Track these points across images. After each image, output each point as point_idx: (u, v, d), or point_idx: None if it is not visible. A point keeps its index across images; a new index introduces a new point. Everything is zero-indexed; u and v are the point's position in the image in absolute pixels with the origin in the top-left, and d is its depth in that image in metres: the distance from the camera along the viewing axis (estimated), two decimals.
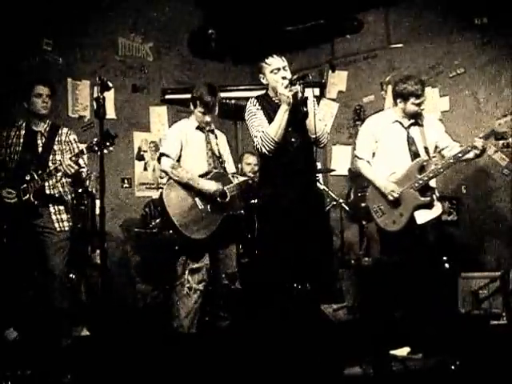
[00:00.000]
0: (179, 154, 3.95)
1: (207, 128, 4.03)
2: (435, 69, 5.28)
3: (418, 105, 3.88)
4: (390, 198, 3.88)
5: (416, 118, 3.96)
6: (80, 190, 4.55)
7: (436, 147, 4.02)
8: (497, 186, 4.94)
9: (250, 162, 5.28)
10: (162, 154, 3.94)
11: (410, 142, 3.94)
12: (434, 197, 3.94)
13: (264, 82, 3.68)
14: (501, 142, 4.86)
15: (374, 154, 4.05)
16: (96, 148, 3.46)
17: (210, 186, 3.87)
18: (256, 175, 3.96)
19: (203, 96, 3.88)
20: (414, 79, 3.89)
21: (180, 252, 3.97)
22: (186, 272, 3.87)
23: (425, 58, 5.35)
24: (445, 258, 4.53)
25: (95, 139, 3.47)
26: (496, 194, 4.95)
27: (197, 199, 3.87)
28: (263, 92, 3.77)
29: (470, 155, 3.80)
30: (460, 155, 3.80)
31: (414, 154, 3.92)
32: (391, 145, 3.97)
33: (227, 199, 3.89)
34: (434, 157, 4.04)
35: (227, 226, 3.92)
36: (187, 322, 3.86)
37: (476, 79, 5.08)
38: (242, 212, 4.05)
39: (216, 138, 4.09)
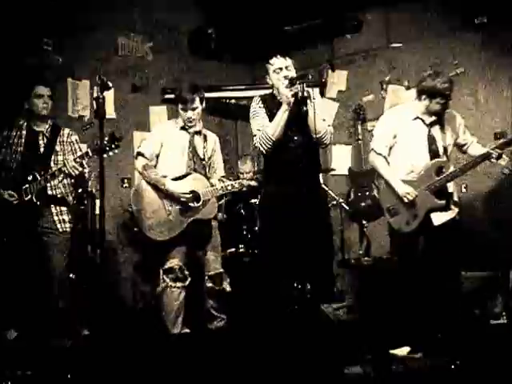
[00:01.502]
0: (157, 153, 3.99)
1: (192, 129, 4.02)
2: (435, 68, 5.24)
3: (443, 105, 3.73)
4: (405, 200, 3.76)
5: (439, 116, 3.80)
6: (80, 190, 4.55)
7: (455, 143, 3.93)
8: (497, 185, 4.94)
9: (242, 171, 5.28)
10: (138, 154, 4.02)
11: (431, 140, 3.80)
12: (451, 201, 3.82)
13: (269, 82, 3.70)
14: (500, 141, 4.85)
15: (390, 148, 3.90)
16: (101, 150, 3.48)
17: (176, 188, 3.86)
18: (245, 182, 3.96)
19: (181, 93, 3.94)
20: (444, 77, 3.74)
21: (151, 251, 4.05)
22: (161, 272, 3.92)
23: (424, 58, 5.34)
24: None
25: (102, 140, 3.48)
26: (496, 194, 4.95)
27: (165, 201, 3.91)
28: (269, 91, 3.78)
29: (492, 160, 3.75)
30: (479, 160, 3.75)
31: (434, 154, 3.79)
32: (411, 142, 3.81)
33: (200, 203, 3.88)
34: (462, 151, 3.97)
35: (198, 229, 3.92)
36: (170, 321, 3.88)
37: (476, 79, 5.08)
38: (213, 217, 4.03)
39: (205, 140, 4.07)
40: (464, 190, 5.10)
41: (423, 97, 3.75)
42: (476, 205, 5.04)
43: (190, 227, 3.89)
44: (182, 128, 4.02)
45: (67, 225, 3.91)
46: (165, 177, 3.92)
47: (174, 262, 3.89)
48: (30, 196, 3.71)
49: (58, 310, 3.81)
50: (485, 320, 4.17)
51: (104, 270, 3.59)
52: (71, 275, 4.24)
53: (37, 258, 3.85)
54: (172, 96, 5.71)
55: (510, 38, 4.83)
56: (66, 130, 4.03)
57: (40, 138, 3.92)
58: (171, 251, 3.91)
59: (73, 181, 3.96)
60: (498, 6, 4.82)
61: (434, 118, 3.80)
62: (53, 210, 3.87)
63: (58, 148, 3.93)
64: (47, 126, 3.95)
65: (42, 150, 3.90)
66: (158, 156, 4.00)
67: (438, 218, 3.77)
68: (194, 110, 3.93)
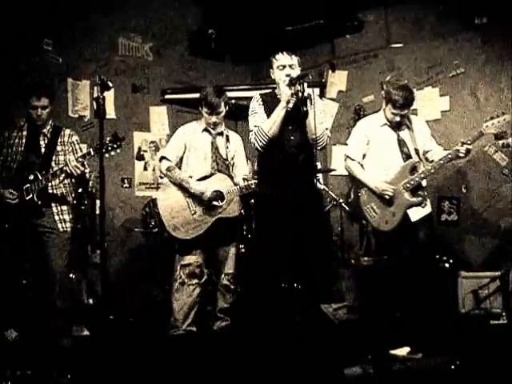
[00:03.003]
0: (181, 156, 4.05)
1: (215, 130, 4.07)
2: (435, 68, 5.28)
3: (399, 115, 3.93)
4: (386, 197, 3.96)
5: (405, 121, 4.03)
6: (80, 190, 4.56)
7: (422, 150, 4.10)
8: (497, 185, 4.94)
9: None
10: (161, 158, 4.09)
11: (401, 143, 4.03)
12: (425, 194, 4.02)
13: (272, 76, 3.71)
14: (501, 141, 4.86)
15: (364, 155, 4.14)
16: (104, 150, 3.49)
17: (202, 188, 3.92)
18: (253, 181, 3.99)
19: (208, 96, 3.94)
20: (401, 91, 3.91)
21: (171, 247, 4.07)
22: (178, 267, 3.96)
23: (425, 58, 5.34)
24: (445, 258, 4.55)
25: (105, 140, 3.48)
26: (496, 194, 4.95)
27: (189, 201, 3.96)
28: (270, 90, 3.78)
29: (460, 155, 3.87)
30: (450, 157, 3.89)
31: (406, 156, 4.01)
32: (382, 147, 4.05)
33: (224, 202, 3.93)
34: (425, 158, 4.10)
35: (221, 227, 3.96)
36: (181, 317, 3.91)
37: (476, 79, 5.08)
38: (237, 215, 4.06)
39: (228, 140, 4.11)
40: (464, 190, 5.11)
41: (387, 103, 3.99)
42: (476, 205, 5.04)
43: (215, 226, 3.93)
44: (205, 130, 4.07)
45: (68, 224, 3.92)
46: (190, 177, 3.98)
47: (192, 259, 3.94)
48: (31, 195, 3.73)
49: (57, 310, 3.81)
50: (485, 320, 4.17)
51: (104, 270, 3.59)
52: (71, 275, 4.25)
53: (37, 258, 3.86)
54: (174, 96, 5.75)
55: (510, 38, 4.83)
56: (67, 131, 4.04)
57: (41, 138, 3.93)
58: (192, 248, 3.95)
59: (73, 181, 3.97)
60: (498, 5, 4.81)
61: (399, 122, 4.00)
62: (54, 209, 3.88)
63: (59, 148, 3.94)
64: (48, 127, 3.96)
65: (43, 150, 3.91)
66: (181, 158, 4.05)
67: (415, 215, 3.96)
68: (219, 114, 3.99)
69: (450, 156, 3.90)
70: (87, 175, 4.02)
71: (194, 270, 3.93)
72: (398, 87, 3.97)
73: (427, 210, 4.03)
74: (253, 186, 3.97)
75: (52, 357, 3.46)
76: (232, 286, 4.06)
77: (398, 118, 3.96)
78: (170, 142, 4.18)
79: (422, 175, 3.95)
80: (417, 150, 4.03)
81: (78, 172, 3.73)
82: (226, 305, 4.07)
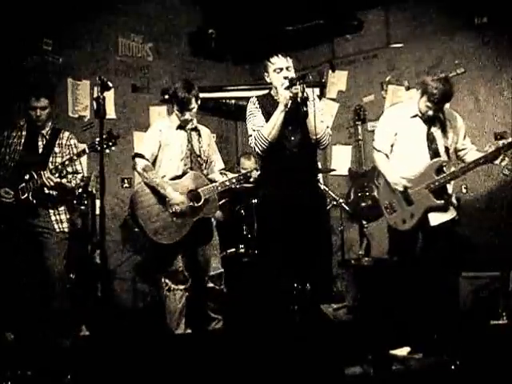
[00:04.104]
0: (156, 154, 3.91)
1: (188, 126, 3.96)
2: (435, 68, 5.27)
3: (433, 109, 3.67)
4: (399, 188, 3.73)
5: (439, 115, 3.75)
6: (80, 190, 4.54)
7: (455, 148, 3.87)
8: (497, 186, 4.94)
9: (247, 167, 5.25)
10: (136, 155, 3.91)
11: (431, 139, 3.75)
12: (451, 200, 3.80)
13: (268, 80, 3.68)
14: (501, 142, 4.84)
15: (392, 146, 3.87)
16: (98, 147, 3.46)
17: (176, 196, 3.79)
18: (243, 173, 3.96)
19: (177, 92, 3.83)
20: (440, 84, 3.61)
21: (152, 256, 3.98)
22: (162, 275, 3.89)
23: (425, 58, 5.34)
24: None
25: (97, 139, 3.46)
26: (496, 194, 4.95)
27: (167, 203, 3.83)
28: (267, 91, 3.77)
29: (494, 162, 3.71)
30: (481, 161, 3.69)
31: (434, 153, 3.74)
32: (410, 140, 3.77)
33: (201, 202, 3.84)
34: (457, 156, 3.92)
35: (201, 229, 3.88)
36: (173, 324, 3.88)
37: (476, 79, 5.08)
38: (215, 213, 4.01)
39: (199, 135, 4.01)
40: (464, 190, 5.10)
41: (423, 96, 3.68)
42: (476, 205, 5.04)
43: (194, 227, 3.84)
44: (179, 127, 3.95)
45: (65, 225, 3.90)
46: (163, 177, 3.87)
47: (176, 265, 3.86)
48: (26, 195, 3.71)
49: (57, 310, 3.81)
50: (485, 320, 4.17)
51: (104, 270, 3.58)
52: (71, 275, 4.25)
53: (34, 258, 3.84)
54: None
55: (510, 37, 4.83)
56: (66, 133, 4.03)
57: (39, 139, 3.92)
58: (174, 254, 3.86)
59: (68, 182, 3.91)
60: (498, 5, 4.82)
61: (432, 116, 3.72)
62: (50, 209, 3.87)
63: (56, 150, 3.93)
64: (47, 129, 3.96)
65: (40, 150, 3.90)
66: (156, 157, 3.92)
67: (436, 219, 3.73)
68: (190, 110, 3.87)
69: (480, 161, 3.68)
70: (73, 183, 3.91)
71: (179, 276, 3.86)
72: (437, 79, 3.64)
73: (451, 214, 3.77)
74: (227, 183, 3.89)
75: (52, 357, 3.46)
76: (217, 288, 3.99)
77: (431, 112, 3.67)
78: (146, 139, 4.01)
79: (448, 177, 3.70)
80: (447, 148, 3.77)
81: (52, 184, 3.69)
82: (215, 305, 4.01)
